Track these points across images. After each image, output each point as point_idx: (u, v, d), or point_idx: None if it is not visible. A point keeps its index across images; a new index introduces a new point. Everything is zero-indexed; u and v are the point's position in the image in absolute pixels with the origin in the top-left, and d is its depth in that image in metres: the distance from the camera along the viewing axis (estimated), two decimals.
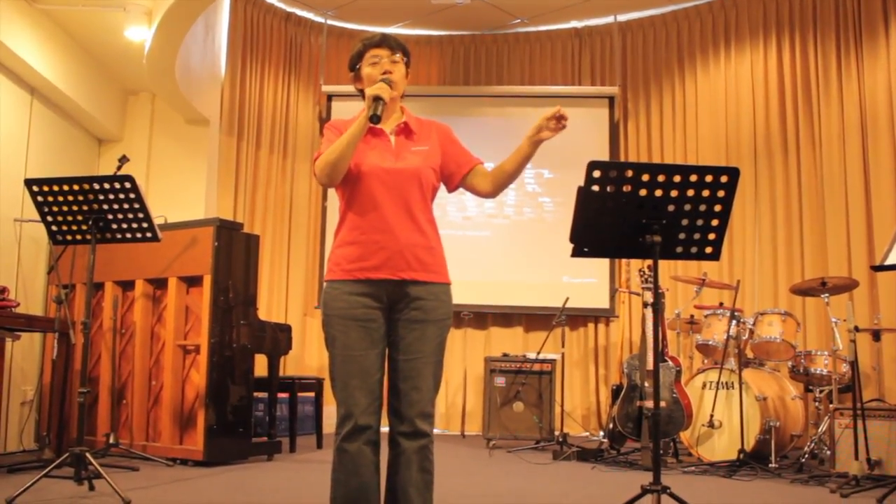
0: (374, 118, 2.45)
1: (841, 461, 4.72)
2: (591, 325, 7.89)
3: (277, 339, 5.67)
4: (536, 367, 6.36)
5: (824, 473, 4.79)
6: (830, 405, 5.03)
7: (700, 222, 2.90)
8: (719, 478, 4.82)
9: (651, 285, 4.83)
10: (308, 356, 7.88)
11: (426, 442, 2.50)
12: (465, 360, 7.85)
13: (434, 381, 2.54)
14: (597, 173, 2.80)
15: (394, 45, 2.65)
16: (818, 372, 5.51)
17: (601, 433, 6.98)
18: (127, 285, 5.52)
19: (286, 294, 7.84)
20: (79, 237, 4.20)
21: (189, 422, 5.10)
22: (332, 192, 7.54)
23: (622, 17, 8.13)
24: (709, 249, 2.97)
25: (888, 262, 4.16)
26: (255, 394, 5.50)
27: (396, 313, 2.54)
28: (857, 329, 4.60)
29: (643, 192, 2.83)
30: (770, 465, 5.05)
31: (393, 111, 2.66)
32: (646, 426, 5.18)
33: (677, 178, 2.82)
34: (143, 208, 4.09)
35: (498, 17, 8.18)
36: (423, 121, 2.72)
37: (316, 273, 7.99)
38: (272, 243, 7.74)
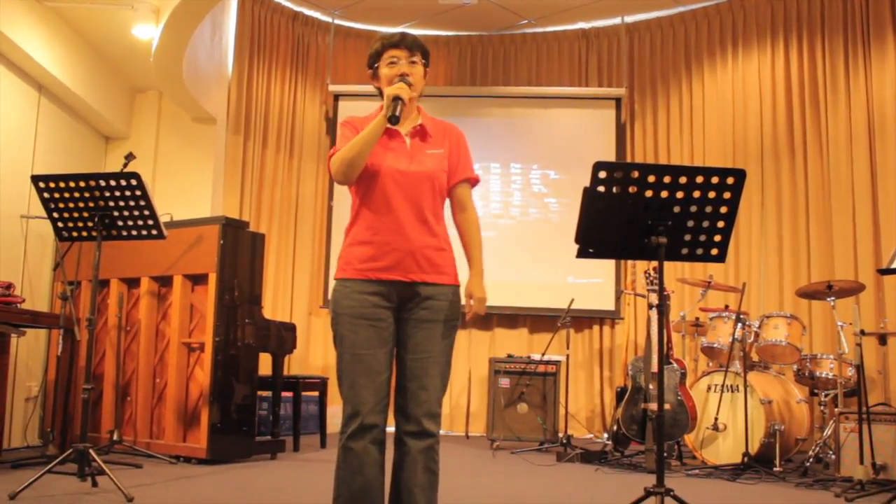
0: (394, 118, 2.45)
1: (846, 465, 4.70)
2: (596, 327, 7.88)
3: (282, 337, 5.67)
4: (541, 368, 6.35)
5: (829, 478, 4.78)
6: (836, 409, 5.01)
7: (706, 224, 2.89)
8: (723, 481, 4.80)
9: (656, 287, 4.82)
10: (313, 355, 7.89)
11: (432, 442, 2.50)
12: (469, 361, 7.84)
13: (441, 381, 2.54)
14: (602, 174, 2.80)
15: (412, 45, 2.65)
16: (823, 375, 5.48)
17: (605, 435, 6.97)
18: (132, 283, 5.54)
19: (291, 293, 7.86)
20: (84, 234, 4.21)
21: (193, 420, 5.11)
22: (338, 192, 7.55)
23: (629, 19, 8.13)
24: (714, 251, 2.96)
25: (895, 265, 4.15)
26: (259, 392, 5.50)
27: (405, 313, 2.54)
28: (863, 333, 4.57)
29: (649, 193, 2.82)
30: (774, 469, 5.04)
31: (410, 112, 2.66)
32: (650, 428, 5.17)
33: (683, 180, 2.81)
34: (149, 206, 4.09)
35: (505, 18, 8.18)
36: (438, 122, 2.71)
37: (321, 272, 7.99)
38: (278, 242, 7.75)
